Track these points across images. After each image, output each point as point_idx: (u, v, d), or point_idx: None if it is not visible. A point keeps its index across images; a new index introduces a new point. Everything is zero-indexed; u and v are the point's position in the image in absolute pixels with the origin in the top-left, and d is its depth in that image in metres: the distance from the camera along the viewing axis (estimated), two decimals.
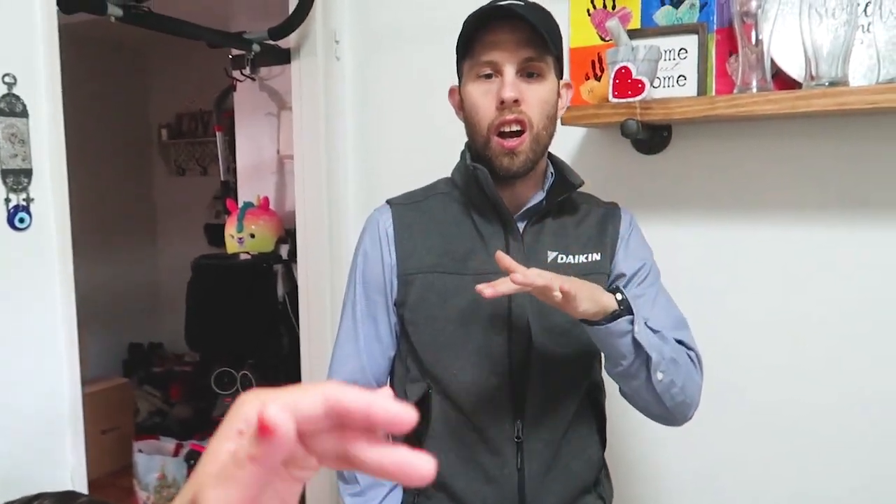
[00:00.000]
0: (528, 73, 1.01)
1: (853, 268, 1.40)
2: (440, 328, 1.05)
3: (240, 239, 2.53)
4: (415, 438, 1.08)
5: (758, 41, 1.32)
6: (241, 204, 2.63)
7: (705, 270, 1.53)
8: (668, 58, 1.45)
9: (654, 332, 1.00)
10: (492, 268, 0.98)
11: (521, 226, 1.08)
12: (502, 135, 1.01)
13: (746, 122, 1.44)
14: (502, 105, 0.99)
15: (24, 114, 1.05)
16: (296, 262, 2.53)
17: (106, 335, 4.30)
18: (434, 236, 1.09)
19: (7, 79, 1.03)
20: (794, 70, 1.31)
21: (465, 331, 1.04)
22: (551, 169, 1.11)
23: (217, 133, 3.00)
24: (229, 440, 0.34)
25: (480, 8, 1.01)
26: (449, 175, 1.16)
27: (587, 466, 1.10)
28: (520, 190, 1.07)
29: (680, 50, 1.44)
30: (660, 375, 0.97)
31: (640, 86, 1.30)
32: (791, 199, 1.44)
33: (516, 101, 0.99)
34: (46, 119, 1.08)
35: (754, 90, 1.29)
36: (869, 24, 1.29)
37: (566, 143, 1.61)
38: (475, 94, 1.02)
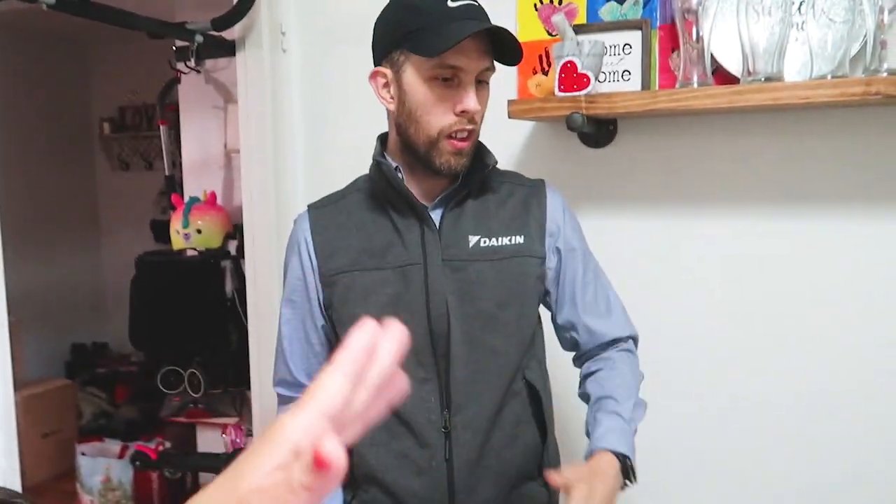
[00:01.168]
0: (479, 80, 1.03)
1: (790, 258, 1.44)
2: None
3: (186, 235, 2.47)
4: None
5: (698, 38, 1.35)
6: (186, 199, 2.57)
7: (650, 261, 1.56)
8: (612, 53, 1.47)
9: (627, 418, 1.06)
10: (410, 259, 1.04)
11: (439, 212, 1.09)
12: (455, 137, 1.02)
13: (690, 116, 1.48)
14: (464, 114, 1.01)
15: None
16: (244, 258, 2.50)
17: (47, 336, 4.16)
18: (352, 235, 1.11)
19: None
20: (733, 66, 1.34)
21: None
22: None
23: (161, 127, 2.92)
24: (280, 463, 0.36)
25: (451, 8, 0.99)
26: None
27: (523, 454, 1.11)
28: (436, 177, 1.08)
29: (624, 45, 1.47)
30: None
31: (585, 80, 1.32)
32: (731, 191, 1.48)
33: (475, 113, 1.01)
34: None
35: (695, 85, 1.32)
36: (803, 23, 1.33)
37: (515, 137, 1.62)
38: (430, 95, 1.02)
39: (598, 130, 1.53)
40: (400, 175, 1.09)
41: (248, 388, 2.52)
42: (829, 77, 1.23)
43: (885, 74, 1.19)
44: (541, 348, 1.18)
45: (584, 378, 1.17)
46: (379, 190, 1.11)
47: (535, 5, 1.55)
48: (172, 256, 2.58)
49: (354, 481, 1.13)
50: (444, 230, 1.08)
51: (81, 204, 4.66)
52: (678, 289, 1.54)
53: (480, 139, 1.11)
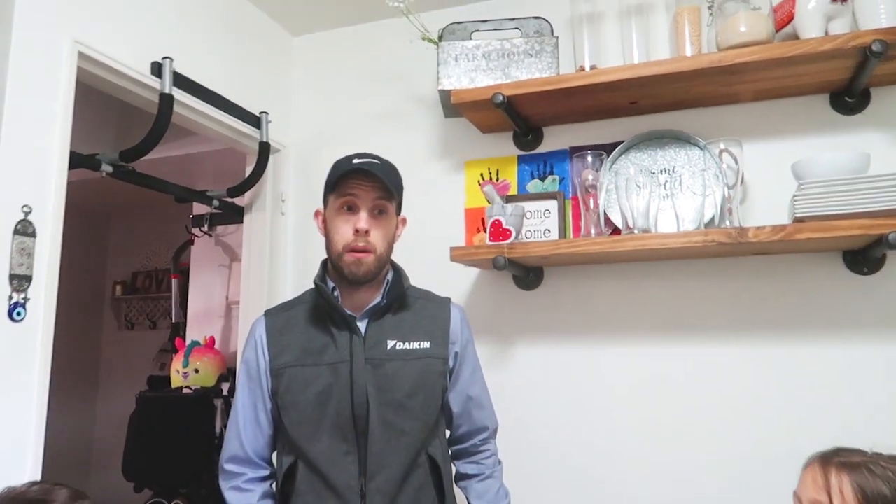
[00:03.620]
0: (377, 209, 1.41)
1: (684, 377, 1.77)
2: (302, 410, 1.37)
3: (185, 374, 2.77)
4: (285, 497, 1.38)
5: (595, 204, 1.78)
6: (188, 342, 2.91)
7: (575, 386, 1.87)
8: (536, 217, 1.90)
9: None
10: (340, 358, 1.38)
11: (365, 322, 1.42)
12: (354, 251, 1.38)
13: (599, 265, 1.87)
14: (357, 233, 1.38)
15: (33, 234, 1.39)
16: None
17: None
18: (297, 337, 1.43)
19: (25, 208, 1.38)
20: (621, 223, 1.76)
21: (321, 410, 1.36)
22: (390, 276, 1.47)
23: (173, 280, 3.33)
24: None
25: (348, 164, 1.40)
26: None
27: None
28: (364, 293, 1.43)
29: (545, 210, 1.90)
30: None
31: (508, 233, 1.73)
32: (633, 324, 1.84)
33: (367, 232, 1.38)
34: (49, 240, 1.42)
35: (592, 236, 1.73)
36: (672, 195, 1.77)
37: (464, 282, 2.00)
38: (338, 219, 1.40)
39: (527, 275, 1.92)
40: (336, 293, 1.44)
41: None
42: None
43: (723, 227, 1.60)
44: (442, 430, 1.48)
45: (461, 477, 1.53)
46: (319, 304, 1.46)
47: (478, 181, 2.02)
48: (170, 393, 2.85)
49: None
50: (368, 336, 1.41)
51: (86, 362, 4.91)
52: (598, 408, 1.84)
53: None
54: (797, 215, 1.52)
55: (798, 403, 1.67)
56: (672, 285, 1.81)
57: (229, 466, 1.45)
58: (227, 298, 3.12)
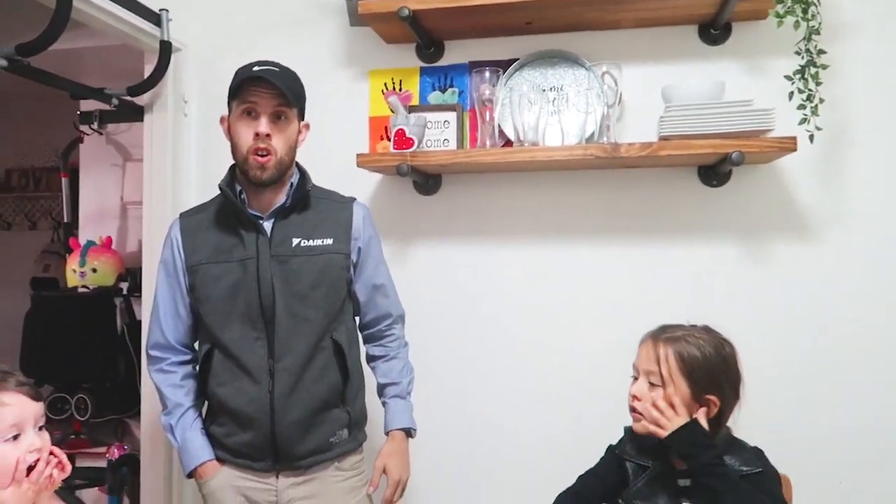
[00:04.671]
0: (277, 115, 1.52)
1: (562, 275, 2.02)
2: (214, 302, 1.54)
3: (82, 273, 2.76)
4: (202, 381, 1.57)
5: (491, 117, 1.94)
6: (83, 242, 2.88)
7: (469, 283, 2.08)
8: (436, 127, 2.03)
9: (403, 396, 1.66)
10: (247, 255, 1.52)
11: (270, 222, 1.55)
12: (257, 154, 1.50)
13: (490, 174, 2.05)
14: (257, 137, 1.49)
15: None
16: (136, 296, 2.81)
17: None
18: (209, 236, 1.57)
19: None
20: (513, 136, 1.94)
21: (232, 302, 1.52)
22: (294, 178, 1.60)
23: (63, 179, 3.23)
24: None
25: (250, 70, 1.49)
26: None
27: (328, 389, 1.55)
28: (270, 195, 1.57)
29: (444, 121, 2.03)
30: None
31: (410, 142, 1.87)
32: (521, 228, 2.06)
33: (268, 136, 1.50)
34: None
35: (487, 148, 1.90)
36: (559, 111, 1.95)
37: (366, 187, 2.13)
38: (240, 124, 1.51)
39: (427, 182, 2.07)
40: (243, 195, 1.55)
41: (133, 414, 2.78)
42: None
43: (601, 143, 1.82)
44: (349, 317, 1.66)
45: (370, 359, 1.72)
46: (227, 206, 1.58)
47: (382, 90, 2.12)
48: (67, 292, 2.84)
49: (210, 411, 1.59)
50: (274, 234, 1.54)
51: None
52: (489, 301, 2.07)
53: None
54: (662, 134, 1.76)
55: (658, 295, 1.96)
56: (556, 194, 2.03)
57: (153, 352, 1.61)
58: (121, 199, 3.08)
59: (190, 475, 1.57)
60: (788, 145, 1.69)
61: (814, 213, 1.90)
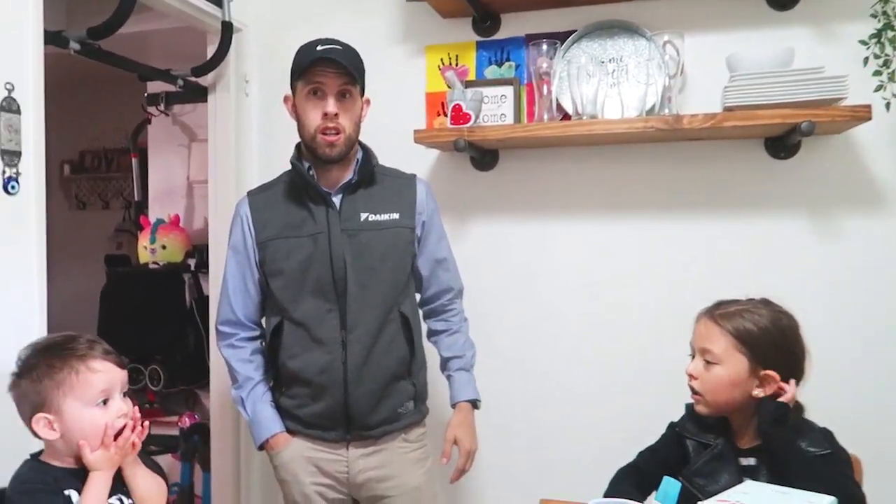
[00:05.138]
0: (342, 94, 1.53)
1: (622, 251, 1.99)
2: (287, 276, 1.57)
3: (152, 250, 2.88)
4: (273, 354, 1.61)
5: (549, 91, 1.92)
6: (153, 220, 2.99)
7: (527, 260, 2.08)
8: (493, 102, 2.01)
9: (468, 368, 1.68)
10: (318, 230, 1.55)
11: (339, 197, 1.58)
12: (326, 133, 1.52)
13: (549, 148, 2.03)
14: (326, 116, 1.52)
15: (18, 111, 1.45)
16: (203, 272, 2.91)
17: None
18: (278, 212, 1.60)
19: (7, 86, 1.43)
20: (571, 109, 1.91)
21: (304, 276, 1.56)
22: (359, 155, 1.62)
23: (133, 159, 3.36)
24: None
25: (314, 50, 1.51)
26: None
27: (397, 362, 1.59)
28: (337, 172, 1.60)
29: (502, 96, 2.02)
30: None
31: (468, 117, 1.86)
32: (579, 202, 2.03)
33: (335, 115, 1.52)
34: (33, 116, 1.49)
35: (544, 121, 1.88)
36: (618, 83, 1.91)
37: (423, 163, 2.14)
38: (307, 104, 1.53)
39: (484, 157, 2.07)
40: (311, 172, 1.58)
41: (203, 385, 2.89)
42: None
43: (662, 115, 1.77)
44: (412, 291, 1.69)
45: (432, 333, 1.74)
46: (296, 182, 1.61)
47: (438, 66, 2.11)
48: (139, 268, 2.97)
49: (280, 384, 1.63)
50: (342, 209, 1.57)
51: None
52: (547, 275, 2.06)
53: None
54: (727, 105, 1.70)
55: (724, 270, 1.91)
56: (616, 168, 2.00)
57: (223, 328, 1.66)
58: (188, 178, 3.18)
59: (261, 447, 1.63)
60: (862, 114, 1.61)
61: (888, 187, 1.81)
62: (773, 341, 1.25)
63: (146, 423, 1.18)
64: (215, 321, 1.70)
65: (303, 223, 1.57)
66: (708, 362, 1.27)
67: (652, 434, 1.46)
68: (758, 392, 1.24)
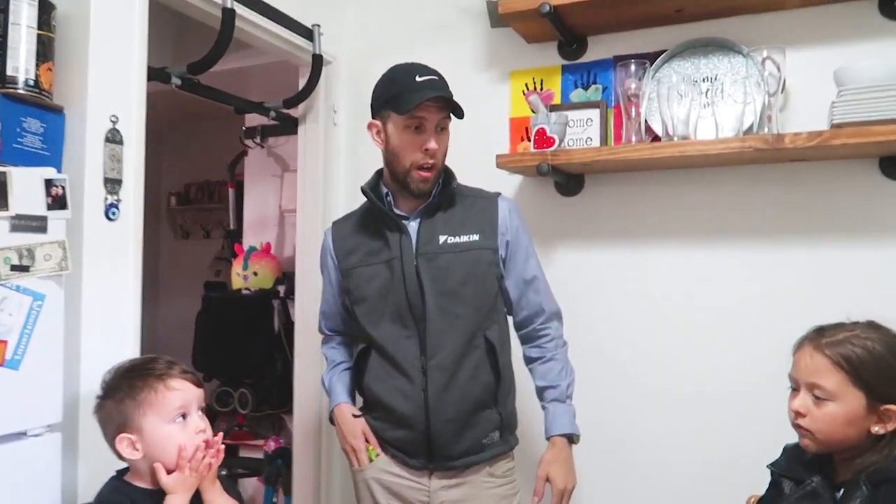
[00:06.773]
0: (440, 127, 1.52)
1: (719, 279, 1.88)
2: (368, 302, 1.57)
3: (245, 276, 2.98)
4: (359, 377, 1.62)
5: (637, 113, 1.85)
6: (246, 248, 3.10)
7: (616, 288, 2.00)
8: (578, 125, 1.97)
9: (562, 400, 1.57)
10: (392, 256, 1.54)
11: (417, 221, 1.56)
12: (421, 169, 1.51)
13: (637, 172, 1.95)
14: (426, 152, 1.50)
15: (121, 142, 1.54)
16: (291, 299, 2.97)
17: None
18: (358, 240, 1.62)
19: (112, 118, 1.52)
20: (661, 131, 1.83)
21: (383, 301, 1.55)
22: (440, 178, 1.58)
23: (230, 190, 3.51)
24: None
25: (412, 82, 1.48)
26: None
27: (481, 388, 1.53)
28: (415, 197, 1.56)
29: (587, 119, 1.97)
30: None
31: (552, 140, 1.82)
32: (670, 229, 1.94)
33: (436, 150, 1.50)
34: (135, 147, 1.57)
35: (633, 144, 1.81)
36: (712, 103, 1.82)
37: (507, 189, 2.09)
38: (405, 138, 1.50)
39: (569, 182, 2.01)
40: (389, 198, 1.58)
41: (288, 410, 2.94)
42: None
43: (761, 134, 1.66)
44: (502, 316, 1.62)
45: (528, 360, 1.64)
46: (373, 210, 1.61)
47: (523, 91, 2.09)
48: (232, 294, 3.08)
49: (366, 406, 1.63)
50: (421, 232, 1.55)
51: (147, 269, 5.19)
52: (641, 304, 1.97)
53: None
54: (835, 121, 1.58)
55: (831, 303, 1.73)
56: (710, 192, 1.89)
57: (325, 333, 1.78)
58: (280, 207, 3.28)
59: (330, 420, 1.67)
60: None
61: None
62: (892, 369, 1.12)
63: (222, 445, 1.18)
64: (319, 328, 1.80)
65: (380, 250, 1.57)
66: (818, 398, 1.15)
67: (752, 473, 1.34)
68: (877, 429, 1.11)
